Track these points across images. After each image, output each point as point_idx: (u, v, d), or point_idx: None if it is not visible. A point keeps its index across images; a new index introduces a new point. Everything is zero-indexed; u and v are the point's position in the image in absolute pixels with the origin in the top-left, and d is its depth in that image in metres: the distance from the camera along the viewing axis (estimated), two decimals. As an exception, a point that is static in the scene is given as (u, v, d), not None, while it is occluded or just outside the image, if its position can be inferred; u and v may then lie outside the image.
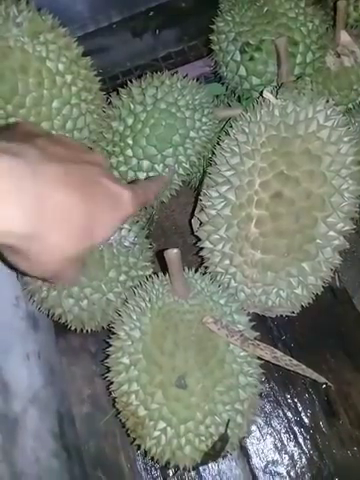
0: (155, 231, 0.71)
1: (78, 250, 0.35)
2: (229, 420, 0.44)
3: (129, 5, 0.69)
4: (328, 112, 0.49)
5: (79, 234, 0.34)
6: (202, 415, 0.43)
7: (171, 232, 0.70)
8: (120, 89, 0.56)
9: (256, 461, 0.53)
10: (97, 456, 0.55)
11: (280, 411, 0.55)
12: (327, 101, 0.50)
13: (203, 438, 0.44)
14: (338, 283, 0.63)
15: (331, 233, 0.49)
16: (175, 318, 0.45)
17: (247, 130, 0.50)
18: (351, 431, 0.53)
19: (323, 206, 0.48)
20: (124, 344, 0.45)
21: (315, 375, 0.49)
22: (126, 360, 0.45)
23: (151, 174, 0.54)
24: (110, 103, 0.57)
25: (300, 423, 0.55)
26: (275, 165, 0.48)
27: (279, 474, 0.53)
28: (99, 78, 0.54)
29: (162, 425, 0.43)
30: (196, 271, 0.52)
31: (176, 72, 0.56)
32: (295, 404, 0.55)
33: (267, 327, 0.59)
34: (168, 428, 0.43)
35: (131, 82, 0.56)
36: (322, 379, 0.50)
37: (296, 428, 0.54)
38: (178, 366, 0.43)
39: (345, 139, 0.49)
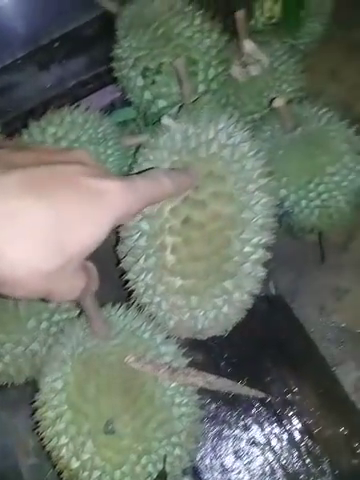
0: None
1: (53, 263, 0.30)
2: (166, 456, 0.44)
3: (32, 39, 0.68)
4: (229, 130, 0.49)
5: (48, 245, 0.30)
6: (136, 456, 0.43)
7: (102, 264, 0.69)
8: (23, 129, 0.55)
9: (211, 484, 0.53)
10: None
11: (228, 431, 0.55)
12: (229, 117, 0.50)
13: (141, 478, 0.43)
14: (273, 291, 0.63)
15: (247, 249, 0.48)
16: (96, 363, 0.44)
17: (151, 158, 0.49)
18: (300, 440, 0.53)
19: (234, 224, 0.47)
20: (47, 397, 0.44)
21: (253, 392, 0.50)
22: (51, 414, 0.44)
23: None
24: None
25: (250, 440, 0.54)
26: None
27: (235, 494, 0.52)
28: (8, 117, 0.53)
29: (96, 474, 0.43)
30: (123, 304, 0.51)
31: (78, 105, 0.55)
32: (243, 421, 0.55)
33: (207, 347, 0.59)
34: (103, 475, 0.43)
35: (39, 119, 0.55)
36: (260, 394, 0.50)
37: (246, 445, 0.54)
38: (104, 412, 0.42)
39: (249, 154, 0.49)
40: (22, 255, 0.29)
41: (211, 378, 0.47)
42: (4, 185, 0.28)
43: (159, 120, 0.58)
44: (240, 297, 0.51)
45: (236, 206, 0.48)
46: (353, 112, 0.78)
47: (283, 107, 0.55)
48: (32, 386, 0.54)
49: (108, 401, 0.43)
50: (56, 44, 0.69)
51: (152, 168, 0.46)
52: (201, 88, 0.57)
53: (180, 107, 0.53)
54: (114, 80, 0.65)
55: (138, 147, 0.57)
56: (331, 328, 0.63)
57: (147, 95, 0.57)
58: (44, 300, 0.37)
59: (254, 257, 0.50)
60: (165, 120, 0.49)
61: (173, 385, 0.46)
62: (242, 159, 0.48)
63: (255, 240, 0.49)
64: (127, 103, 0.64)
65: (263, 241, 0.50)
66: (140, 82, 0.57)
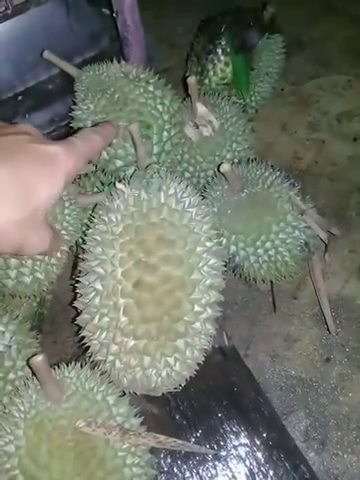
0: (51, 310, 0.71)
1: (21, 213, 0.38)
2: None
3: (-4, 92, 0.70)
4: (179, 195, 0.52)
5: (14, 200, 0.37)
6: None
7: (66, 310, 0.70)
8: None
9: None
10: None
11: (182, 486, 0.56)
12: (179, 183, 0.53)
13: None
14: (227, 342, 0.65)
15: (197, 308, 0.51)
16: (48, 427, 0.44)
17: (106, 219, 0.52)
18: (250, 494, 0.55)
19: (183, 286, 0.50)
20: (0, 460, 0.44)
21: (203, 450, 0.51)
22: (4, 478, 0.44)
23: (21, 270, 0.54)
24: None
25: (203, 494, 0.55)
26: (133, 254, 0.49)
27: None
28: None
29: None
30: (76, 363, 0.52)
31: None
32: (197, 474, 0.56)
33: (164, 399, 0.60)
34: None
35: None
36: (210, 452, 0.52)
37: (200, 500, 0.55)
38: (55, 477, 0.43)
39: (197, 218, 0.51)
40: None
41: (162, 438, 0.48)
42: None
43: (111, 182, 0.61)
44: (191, 355, 0.52)
45: (185, 268, 0.50)
46: (303, 163, 0.84)
47: (229, 172, 0.58)
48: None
49: (60, 466, 0.43)
50: (20, 97, 0.71)
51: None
52: (156, 150, 0.60)
53: (135, 170, 0.56)
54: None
55: (95, 205, 0.59)
56: (283, 376, 0.66)
57: (105, 155, 0.60)
58: (16, 255, 0.47)
59: (203, 316, 0.52)
60: (119, 185, 0.51)
61: (125, 446, 0.47)
62: (190, 223, 0.51)
63: (204, 300, 0.52)
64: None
65: (212, 300, 0.53)
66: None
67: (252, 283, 0.71)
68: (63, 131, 0.74)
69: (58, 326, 0.70)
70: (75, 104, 0.62)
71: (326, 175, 0.83)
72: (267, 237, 0.60)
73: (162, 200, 0.51)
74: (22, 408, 0.46)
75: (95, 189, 0.62)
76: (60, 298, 0.72)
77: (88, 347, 0.55)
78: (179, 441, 0.49)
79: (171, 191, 0.51)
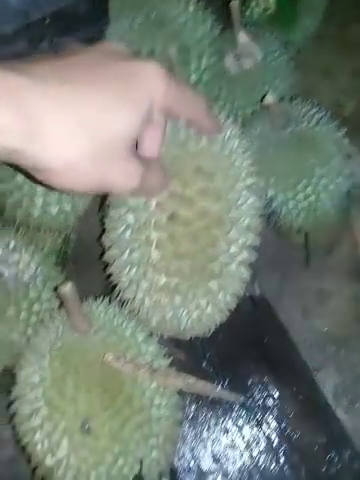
0: (75, 250, 0.68)
1: (91, 145, 0.31)
2: (142, 458, 0.42)
3: (23, 13, 0.65)
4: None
5: (93, 125, 0.31)
6: (112, 457, 0.41)
7: (90, 251, 0.67)
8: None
9: (187, 487, 0.52)
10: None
11: (207, 433, 0.54)
12: (219, 112, 0.49)
13: (117, 481, 0.42)
14: (258, 291, 0.62)
15: (233, 249, 0.47)
16: (75, 359, 0.42)
17: (140, 148, 0.48)
18: (278, 446, 0.53)
19: (221, 223, 0.46)
20: (24, 391, 0.43)
21: (232, 396, 0.49)
22: (27, 409, 0.42)
23: (48, 198, 0.51)
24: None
25: (229, 443, 0.53)
26: (169, 185, 0.46)
27: (211, 497, 0.52)
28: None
29: (71, 474, 0.41)
30: (105, 298, 0.49)
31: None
32: (222, 424, 0.54)
33: (191, 345, 0.57)
34: (78, 475, 0.41)
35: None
36: (239, 399, 0.50)
37: (225, 449, 0.53)
38: (81, 410, 0.41)
39: (238, 151, 0.47)
40: (66, 132, 0.30)
41: (191, 380, 0.46)
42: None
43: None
44: (224, 298, 0.50)
45: (224, 204, 0.46)
46: (345, 112, 0.78)
47: (274, 105, 0.54)
48: (9, 376, 0.53)
49: (86, 399, 0.41)
50: (47, 21, 0.66)
51: None
52: (193, 78, 0.56)
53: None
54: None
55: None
56: (313, 332, 0.63)
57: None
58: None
59: (240, 258, 0.49)
60: (155, 111, 0.47)
61: (153, 386, 0.44)
62: (231, 155, 0.47)
63: (241, 241, 0.48)
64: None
65: (249, 242, 0.49)
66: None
67: (285, 234, 0.67)
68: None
69: (81, 267, 0.68)
70: (106, 25, 0.57)
71: (370, 125, 0.78)
72: (309, 181, 0.56)
73: (202, 129, 0.47)
74: (48, 339, 0.44)
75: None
76: (84, 239, 0.69)
77: (115, 286, 0.52)
78: (209, 385, 0.46)
79: (211, 119, 0.47)
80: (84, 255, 0.67)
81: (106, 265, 0.53)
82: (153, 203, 0.46)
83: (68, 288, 0.41)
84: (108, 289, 0.58)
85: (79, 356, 0.42)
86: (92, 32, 0.66)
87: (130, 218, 0.47)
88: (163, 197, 0.46)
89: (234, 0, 0.56)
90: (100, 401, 0.41)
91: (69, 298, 0.42)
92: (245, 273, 0.50)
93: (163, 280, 0.47)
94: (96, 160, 0.32)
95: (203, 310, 0.49)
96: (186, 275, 0.46)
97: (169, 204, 0.45)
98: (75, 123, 0.31)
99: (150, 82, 0.34)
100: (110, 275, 0.52)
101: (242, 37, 0.60)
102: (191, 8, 0.55)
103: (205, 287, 0.48)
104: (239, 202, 0.47)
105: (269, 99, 0.52)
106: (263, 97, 0.53)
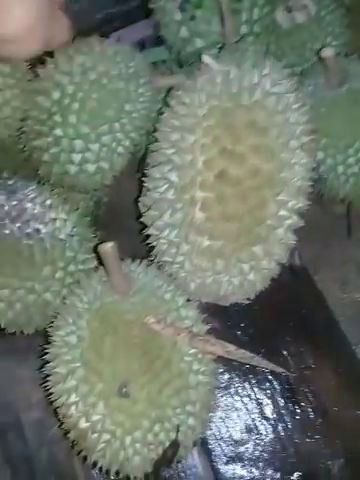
0: (106, 215, 0.66)
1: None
2: (179, 425, 0.41)
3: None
4: (275, 77, 0.44)
5: None
6: (149, 423, 0.40)
7: (121, 217, 0.64)
8: (47, 58, 0.49)
9: (218, 456, 0.51)
10: (49, 464, 0.51)
11: (240, 403, 0.52)
12: (275, 63, 0.45)
13: (152, 447, 0.40)
14: (297, 261, 0.59)
15: (282, 212, 0.44)
16: (114, 319, 0.40)
17: (187, 101, 0.44)
18: (314, 419, 0.51)
19: (272, 183, 0.43)
20: (60, 351, 0.41)
21: (271, 366, 0.47)
22: (63, 369, 0.40)
23: (86, 155, 0.49)
24: (37, 76, 0.50)
25: (261, 414, 0.52)
26: (218, 140, 0.42)
27: (242, 467, 0.50)
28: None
29: (106, 437, 0.40)
30: (143, 260, 0.47)
31: (108, 37, 0.50)
32: (255, 394, 0.52)
33: (226, 313, 0.55)
34: (113, 440, 0.40)
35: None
36: (279, 369, 0.48)
37: (257, 419, 0.52)
38: (119, 372, 0.39)
39: (294, 107, 0.44)
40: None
41: (231, 348, 0.44)
42: None
43: (195, 62, 0.53)
44: (268, 264, 0.47)
45: (276, 163, 0.43)
46: None
47: (331, 59, 0.49)
48: (42, 337, 0.51)
49: (124, 362, 0.39)
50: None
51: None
52: (244, 29, 0.52)
53: (221, 47, 0.48)
54: (146, 16, 0.59)
55: (169, 90, 0.52)
56: (352, 305, 0.60)
57: (184, 32, 0.52)
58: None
59: (288, 222, 0.46)
60: (206, 58, 0.44)
61: (191, 351, 0.42)
62: (286, 110, 0.44)
63: (291, 204, 0.45)
64: (158, 43, 0.58)
65: (298, 206, 0.46)
66: (178, 16, 0.51)
67: (327, 204, 0.64)
68: (131, 12, 0.65)
69: (112, 232, 0.65)
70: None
71: None
72: (362, 144, 0.52)
73: (256, 80, 0.43)
74: (86, 299, 0.42)
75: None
76: (115, 205, 0.66)
77: (151, 249, 0.50)
78: (248, 353, 0.44)
79: (266, 70, 0.43)
80: (115, 221, 0.65)
81: (139, 229, 0.51)
82: (200, 160, 0.43)
83: (110, 247, 0.39)
84: (140, 255, 0.56)
85: (118, 317, 0.40)
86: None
87: (174, 176, 0.44)
88: (212, 153, 0.42)
89: None
90: (139, 364, 0.40)
91: (110, 257, 0.40)
92: (292, 239, 0.47)
93: (206, 243, 0.44)
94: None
95: (245, 276, 0.46)
96: (231, 238, 0.44)
97: (218, 161, 0.42)
98: None
99: None
100: (147, 237, 0.50)
101: (296, -12, 0.55)
102: None
103: (250, 252, 0.45)
104: (292, 161, 0.43)
105: (327, 52, 0.48)
106: (319, 50, 0.49)
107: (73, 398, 0.40)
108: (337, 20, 0.60)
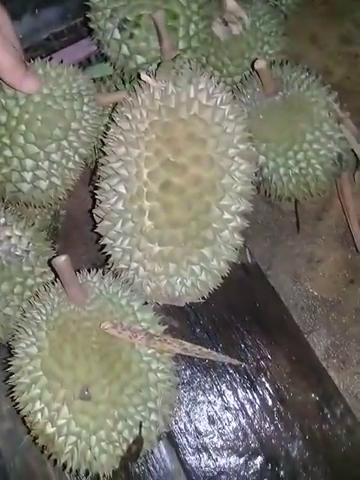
0: (64, 226, 0.67)
1: None
2: (141, 421, 0.44)
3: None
4: (210, 90, 0.47)
5: None
6: (112, 422, 0.42)
7: (79, 228, 0.66)
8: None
9: (184, 448, 0.53)
10: (23, 472, 0.53)
11: (203, 396, 0.55)
12: (210, 77, 0.48)
13: (117, 444, 0.43)
14: (249, 259, 0.62)
15: (226, 216, 0.48)
16: (72, 328, 0.43)
17: (130, 116, 0.47)
18: (272, 406, 0.54)
19: (214, 190, 0.46)
20: (22, 362, 0.43)
21: (228, 359, 0.50)
22: (26, 379, 0.42)
23: (37, 173, 0.51)
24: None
25: (223, 405, 0.55)
26: (160, 153, 0.45)
27: (208, 457, 0.53)
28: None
29: (72, 439, 0.42)
30: (100, 268, 0.50)
31: (51, 59, 0.52)
32: (217, 387, 0.55)
33: (184, 312, 0.59)
34: (79, 441, 0.42)
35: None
36: (235, 361, 0.51)
37: (220, 410, 0.55)
38: (80, 378, 0.41)
39: (230, 117, 0.47)
40: None
41: (187, 345, 0.47)
42: None
43: (136, 77, 0.55)
44: (218, 265, 0.50)
45: (216, 171, 0.46)
46: (333, 78, 0.77)
47: (264, 69, 0.53)
48: (5, 350, 0.53)
49: (84, 367, 0.42)
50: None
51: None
52: (181, 45, 0.54)
53: (159, 64, 0.50)
54: (89, 33, 0.61)
55: (115, 106, 0.54)
56: (304, 296, 0.64)
57: (124, 50, 0.54)
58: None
59: (232, 225, 0.49)
60: (144, 76, 0.46)
61: (150, 351, 0.45)
62: (223, 121, 0.47)
63: (234, 207, 0.48)
64: (103, 58, 0.60)
65: (241, 209, 0.49)
66: (117, 35, 0.53)
67: (275, 203, 0.68)
68: (76, 29, 0.67)
69: (72, 243, 0.68)
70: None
71: (358, 92, 0.77)
72: (300, 147, 0.56)
73: (192, 94, 0.46)
74: (44, 311, 0.44)
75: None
76: (73, 215, 0.68)
77: (107, 258, 0.52)
78: (204, 349, 0.47)
79: (202, 85, 0.47)
80: (73, 231, 0.67)
81: (97, 239, 0.53)
82: (145, 172, 0.46)
83: (63, 260, 0.41)
84: (99, 262, 0.59)
85: (76, 325, 0.43)
86: (75, 3, 0.64)
87: (122, 188, 0.47)
88: (155, 166, 0.45)
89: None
90: (99, 368, 0.42)
91: (64, 269, 0.42)
92: (238, 239, 0.50)
93: (157, 249, 0.47)
94: None
95: (197, 276, 0.49)
96: (180, 242, 0.47)
97: (161, 172, 0.45)
98: None
99: None
100: (102, 247, 0.52)
101: (229, 2, 0.59)
102: (178, -30, 0.53)
103: (199, 254, 0.48)
104: (232, 168, 0.47)
105: (260, 64, 0.51)
106: (253, 62, 0.53)
107: (38, 406, 0.42)
108: (273, 29, 0.64)
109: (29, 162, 0.49)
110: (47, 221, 0.65)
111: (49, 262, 0.47)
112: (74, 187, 0.57)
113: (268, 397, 0.55)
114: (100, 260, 0.59)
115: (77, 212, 0.66)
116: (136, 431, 0.44)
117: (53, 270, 0.46)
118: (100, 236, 0.52)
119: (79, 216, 0.67)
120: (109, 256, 0.52)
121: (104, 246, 0.51)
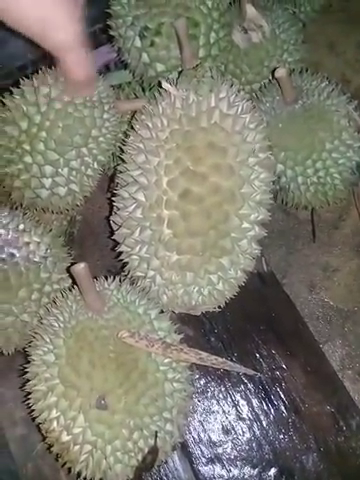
0: (80, 233, 0.68)
1: None
2: (157, 431, 0.43)
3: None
4: (231, 99, 0.47)
5: None
6: (128, 432, 0.42)
7: (95, 234, 0.67)
8: (14, 88, 0.51)
9: (198, 458, 0.53)
10: (36, 478, 0.53)
11: (217, 406, 0.55)
12: (231, 86, 0.48)
13: (132, 454, 0.43)
14: (265, 267, 0.62)
15: (245, 225, 0.47)
16: (89, 336, 0.42)
17: (150, 125, 0.47)
18: (287, 417, 0.54)
19: (233, 199, 0.46)
20: (39, 370, 0.43)
21: (243, 369, 0.49)
22: (42, 387, 0.42)
23: (56, 179, 0.51)
24: (5, 105, 0.52)
25: (237, 415, 0.54)
26: (180, 161, 0.45)
27: (222, 467, 0.53)
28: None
29: (87, 448, 0.42)
30: (117, 276, 0.49)
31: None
32: (231, 397, 0.55)
33: (199, 321, 0.58)
34: (94, 450, 0.42)
35: (28, 78, 0.51)
36: (250, 372, 0.50)
37: (234, 420, 0.54)
38: (96, 386, 0.41)
39: (250, 126, 0.47)
40: None
41: (203, 355, 0.46)
42: None
43: (157, 85, 0.55)
44: (235, 274, 0.50)
45: (236, 180, 0.46)
46: (351, 87, 0.77)
47: (285, 78, 0.52)
48: (21, 356, 0.53)
49: (101, 376, 0.42)
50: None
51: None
52: (201, 53, 0.54)
53: (180, 72, 0.50)
54: (109, 40, 0.61)
55: (134, 113, 0.54)
56: (320, 305, 0.63)
57: (144, 57, 0.54)
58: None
59: (251, 234, 0.49)
60: (165, 85, 0.46)
61: (166, 361, 0.45)
62: (243, 130, 0.47)
63: (253, 217, 0.48)
64: (122, 65, 0.60)
65: (260, 218, 0.49)
66: (138, 43, 0.53)
67: (291, 211, 0.67)
68: (95, 36, 0.67)
69: (87, 249, 0.68)
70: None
71: (376, 100, 0.76)
72: (319, 156, 0.55)
73: (213, 103, 0.46)
74: (61, 318, 0.44)
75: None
76: (89, 222, 0.68)
77: (124, 265, 0.52)
78: (220, 359, 0.47)
79: (223, 94, 0.46)
80: (89, 238, 0.67)
81: (113, 245, 0.53)
82: (164, 180, 0.46)
83: (82, 267, 0.41)
84: (114, 269, 0.59)
85: (93, 334, 0.43)
86: (96, 10, 0.64)
87: (141, 196, 0.47)
88: (175, 174, 0.45)
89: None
90: (115, 377, 0.42)
91: (83, 277, 0.42)
92: (256, 249, 0.50)
93: (175, 257, 0.47)
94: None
95: (214, 286, 0.49)
96: (198, 251, 0.46)
97: (181, 181, 0.45)
98: None
99: None
100: (118, 254, 0.52)
101: (250, 10, 0.58)
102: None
103: (217, 263, 0.48)
104: (252, 177, 0.46)
105: (281, 72, 0.51)
106: (274, 70, 0.52)
107: (54, 413, 0.42)
108: (292, 37, 0.63)
109: (49, 169, 0.49)
110: (63, 227, 0.65)
111: (68, 269, 0.47)
112: (91, 193, 0.57)
113: (283, 408, 0.55)
114: (115, 267, 0.59)
115: (93, 218, 0.67)
116: (151, 441, 0.43)
117: (71, 277, 0.46)
118: (116, 243, 0.52)
119: (95, 222, 0.67)
120: (125, 263, 0.52)
121: (120, 253, 0.51)
